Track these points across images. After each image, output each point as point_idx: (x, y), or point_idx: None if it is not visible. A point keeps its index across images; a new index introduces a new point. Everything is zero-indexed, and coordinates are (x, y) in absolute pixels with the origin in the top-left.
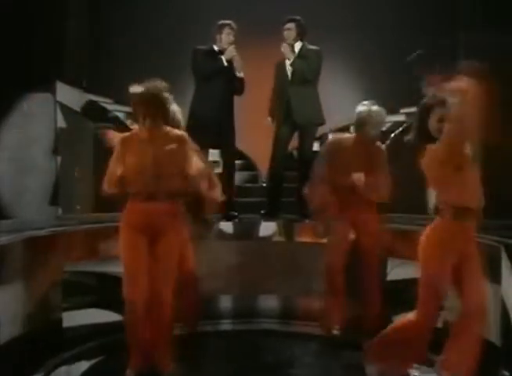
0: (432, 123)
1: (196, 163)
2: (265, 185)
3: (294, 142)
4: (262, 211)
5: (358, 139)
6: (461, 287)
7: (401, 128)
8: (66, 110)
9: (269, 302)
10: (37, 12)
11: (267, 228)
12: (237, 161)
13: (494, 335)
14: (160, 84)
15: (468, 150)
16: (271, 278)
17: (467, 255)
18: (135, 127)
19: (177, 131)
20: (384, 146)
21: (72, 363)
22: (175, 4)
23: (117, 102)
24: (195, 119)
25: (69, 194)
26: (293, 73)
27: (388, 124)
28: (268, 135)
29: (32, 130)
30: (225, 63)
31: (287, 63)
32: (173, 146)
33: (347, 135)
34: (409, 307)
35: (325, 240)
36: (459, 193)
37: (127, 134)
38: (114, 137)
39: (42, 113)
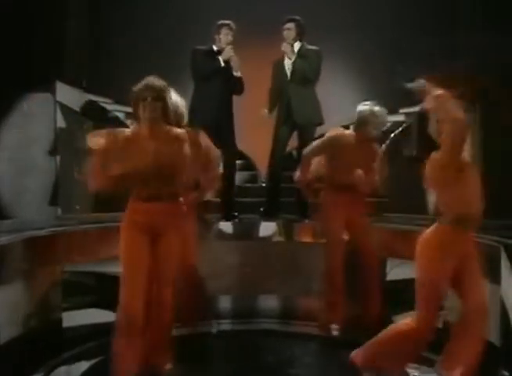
0: (432, 126)
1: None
2: (264, 185)
3: (294, 143)
4: (261, 209)
5: (359, 137)
6: (461, 288)
7: (400, 128)
8: (65, 110)
9: (269, 302)
10: (37, 12)
11: (267, 228)
12: (237, 161)
13: (493, 335)
14: (158, 81)
15: (467, 154)
16: (270, 278)
17: (467, 257)
18: (134, 126)
19: (177, 130)
20: (383, 147)
21: (72, 363)
22: (175, 4)
23: (117, 102)
24: (194, 119)
25: (68, 194)
26: (293, 72)
27: (387, 124)
28: (268, 133)
29: (32, 130)
30: (223, 64)
31: (286, 62)
32: (174, 144)
33: (347, 131)
34: (409, 307)
35: (324, 240)
36: (461, 199)
37: (126, 132)
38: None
39: (42, 113)
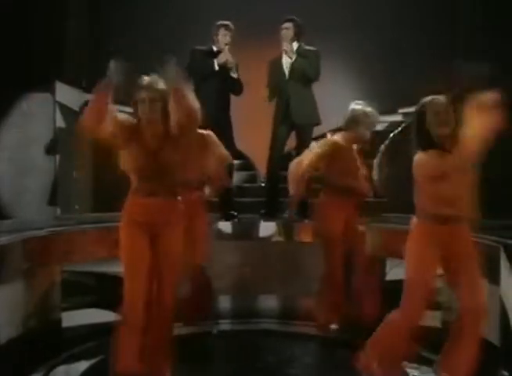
0: (433, 128)
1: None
2: (263, 185)
3: (292, 143)
4: (262, 211)
5: (350, 138)
6: (458, 288)
7: (400, 128)
8: (65, 110)
9: (269, 302)
10: (37, 12)
11: (266, 228)
12: (236, 161)
13: (493, 335)
14: (158, 81)
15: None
16: (270, 278)
17: (461, 256)
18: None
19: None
20: (382, 147)
21: (71, 363)
22: (175, 4)
23: (117, 102)
24: None
25: (67, 194)
26: (292, 71)
27: (386, 124)
28: (267, 133)
29: (31, 130)
30: (217, 67)
31: (285, 61)
32: (174, 145)
33: (336, 137)
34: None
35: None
36: (439, 198)
37: (130, 121)
38: None
39: (41, 113)
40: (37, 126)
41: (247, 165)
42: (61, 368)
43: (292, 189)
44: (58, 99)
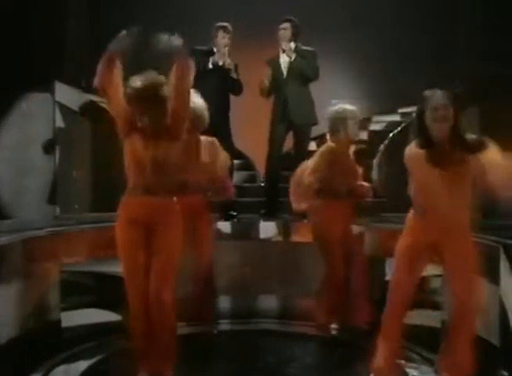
0: (431, 124)
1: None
2: (263, 185)
3: (291, 143)
4: (262, 211)
5: (343, 140)
6: (452, 287)
7: (399, 128)
8: (65, 110)
9: (268, 302)
10: (37, 12)
11: (266, 228)
12: (236, 161)
13: (493, 336)
14: (157, 76)
15: None
16: (270, 278)
17: (455, 251)
18: None
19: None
20: (381, 147)
21: (71, 363)
22: (175, 4)
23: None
24: None
25: (67, 194)
26: (290, 71)
27: (385, 124)
28: (267, 133)
29: (31, 130)
30: (211, 66)
31: (283, 60)
32: (173, 142)
33: (330, 143)
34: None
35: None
36: (427, 194)
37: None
38: None
39: (41, 113)
40: (36, 126)
41: (247, 165)
42: (61, 368)
43: (294, 203)
44: (57, 99)
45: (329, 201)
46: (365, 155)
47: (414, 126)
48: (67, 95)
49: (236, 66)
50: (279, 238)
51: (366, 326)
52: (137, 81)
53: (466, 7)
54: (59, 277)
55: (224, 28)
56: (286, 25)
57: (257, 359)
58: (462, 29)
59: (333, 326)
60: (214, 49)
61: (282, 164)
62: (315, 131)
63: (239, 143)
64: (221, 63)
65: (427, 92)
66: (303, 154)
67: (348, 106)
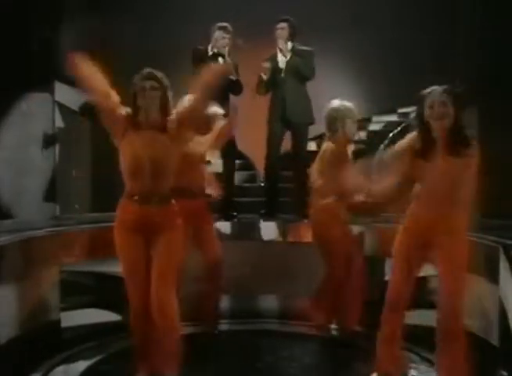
0: (428, 120)
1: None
2: (263, 184)
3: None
4: (262, 211)
5: (341, 139)
6: (439, 286)
7: (399, 128)
8: (64, 109)
9: (269, 302)
10: (36, 12)
11: (266, 228)
12: (236, 161)
13: (492, 336)
14: (157, 72)
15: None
16: (270, 278)
17: (441, 253)
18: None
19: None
20: (381, 146)
21: (70, 363)
22: (175, 4)
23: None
24: None
25: (67, 194)
26: (287, 70)
27: (385, 124)
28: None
29: (31, 130)
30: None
31: (280, 59)
32: (171, 136)
33: (328, 143)
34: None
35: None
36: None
37: (126, 113)
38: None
39: (41, 113)
40: (36, 126)
41: (247, 165)
42: (60, 368)
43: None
44: (57, 98)
45: (326, 202)
46: (364, 155)
47: (414, 124)
48: (67, 95)
49: (236, 66)
50: (279, 238)
51: (357, 327)
52: (138, 75)
53: (466, 7)
54: (59, 277)
55: (224, 28)
56: (284, 25)
57: (257, 359)
58: (462, 29)
59: (333, 326)
60: (215, 50)
61: (281, 163)
62: (316, 131)
63: (239, 143)
64: (218, 63)
65: (425, 90)
66: (302, 154)
67: (346, 105)
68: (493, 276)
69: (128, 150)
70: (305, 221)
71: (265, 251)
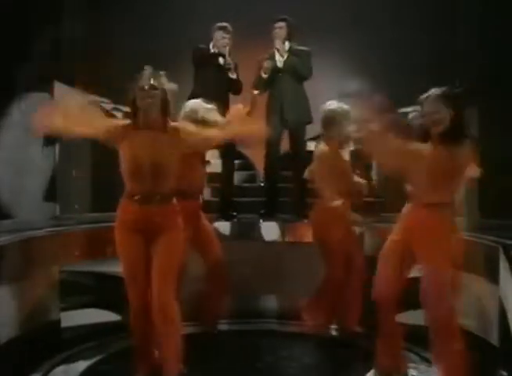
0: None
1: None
2: (262, 184)
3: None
4: (262, 211)
5: (336, 141)
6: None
7: None
8: None
9: (268, 302)
10: (36, 12)
11: (266, 228)
12: (235, 161)
13: (492, 336)
14: (157, 71)
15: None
16: (269, 278)
17: (425, 248)
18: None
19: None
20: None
21: (70, 363)
22: (175, 4)
23: (116, 102)
24: None
25: (67, 194)
26: (285, 69)
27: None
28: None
29: (31, 130)
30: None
31: (278, 59)
32: (171, 136)
33: (323, 146)
34: (408, 306)
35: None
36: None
37: (123, 122)
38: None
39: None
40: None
41: (247, 165)
42: (60, 368)
43: None
44: (56, 98)
45: (326, 203)
46: (364, 155)
47: (414, 129)
48: (67, 95)
49: (235, 66)
50: (279, 238)
51: (357, 327)
52: (137, 75)
53: (466, 7)
54: (59, 277)
55: (224, 28)
56: (282, 24)
57: (257, 359)
58: (462, 29)
59: (334, 326)
60: (215, 50)
61: (281, 163)
62: (316, 131)
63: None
64: (221, 63)
65: (422, 97)
66: (301, 154)
67: (343, 107)
68: (493, 276)
69: (128, 150)
70: (305, 221)
71: (264, 251)
